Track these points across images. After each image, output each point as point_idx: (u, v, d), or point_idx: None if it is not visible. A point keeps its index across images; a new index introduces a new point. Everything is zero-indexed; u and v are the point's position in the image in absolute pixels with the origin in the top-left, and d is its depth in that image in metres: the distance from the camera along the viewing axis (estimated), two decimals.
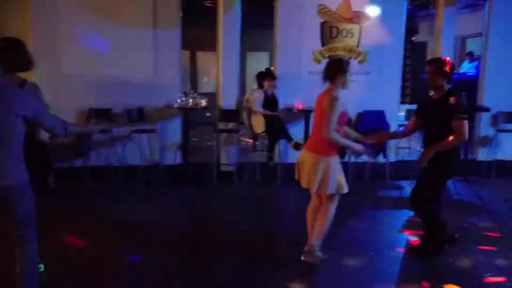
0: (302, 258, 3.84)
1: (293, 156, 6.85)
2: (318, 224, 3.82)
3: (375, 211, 5.54)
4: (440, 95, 3.84)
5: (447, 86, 3.84)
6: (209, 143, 7.88)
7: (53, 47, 6.49)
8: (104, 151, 6.68)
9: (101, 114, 6.56)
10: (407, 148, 7.67)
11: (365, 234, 4.69)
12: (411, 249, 4.24)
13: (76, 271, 3.65)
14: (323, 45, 7.26)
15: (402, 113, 8.03)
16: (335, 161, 3.70)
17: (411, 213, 5.30)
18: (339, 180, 3.71)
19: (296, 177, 3.89)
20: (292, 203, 5.89)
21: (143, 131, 6.73)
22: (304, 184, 3.80)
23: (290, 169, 7.02)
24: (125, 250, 4.08)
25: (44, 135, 3.13)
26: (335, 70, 3.70)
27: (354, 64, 7.16)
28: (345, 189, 3.74)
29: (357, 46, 7.39)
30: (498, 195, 6.48)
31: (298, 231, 4.17)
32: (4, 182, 2.61)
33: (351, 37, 7.34)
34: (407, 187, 6.40)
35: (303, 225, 3.99)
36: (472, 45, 10.61)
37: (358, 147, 3.80)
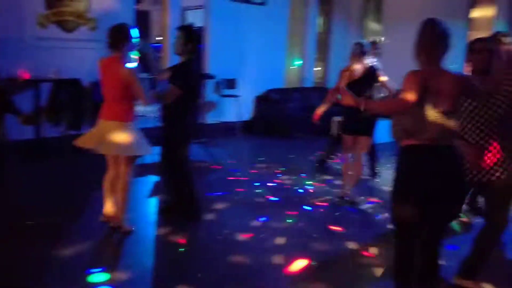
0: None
1: (25, 132, 6.19)
2: (122, 195, 3.75)
3: None
4: None
5: None
6: None
7: None
8: None
9: None
10: None
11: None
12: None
13: None
14: (48, 8, 6.64)
15: None
16: (135, 126, 3.71)
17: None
18: (141, 143, 3.70)
19: (87, 146, 3.66)
20: (24, 181, 5.38)
21: None
22: (105, 151, 3.69)
23: (23, 145, 6.37)
24: None
25: None
26: (121, 37, 3.58)
27: (84, 31, 6.87)
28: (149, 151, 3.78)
29: (87, 11, 7.02)
30: (225, 152, 7.39)
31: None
32: None
33: (80, 1, 6.93)
34: None
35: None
36: (192, 17, 11.33)
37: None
